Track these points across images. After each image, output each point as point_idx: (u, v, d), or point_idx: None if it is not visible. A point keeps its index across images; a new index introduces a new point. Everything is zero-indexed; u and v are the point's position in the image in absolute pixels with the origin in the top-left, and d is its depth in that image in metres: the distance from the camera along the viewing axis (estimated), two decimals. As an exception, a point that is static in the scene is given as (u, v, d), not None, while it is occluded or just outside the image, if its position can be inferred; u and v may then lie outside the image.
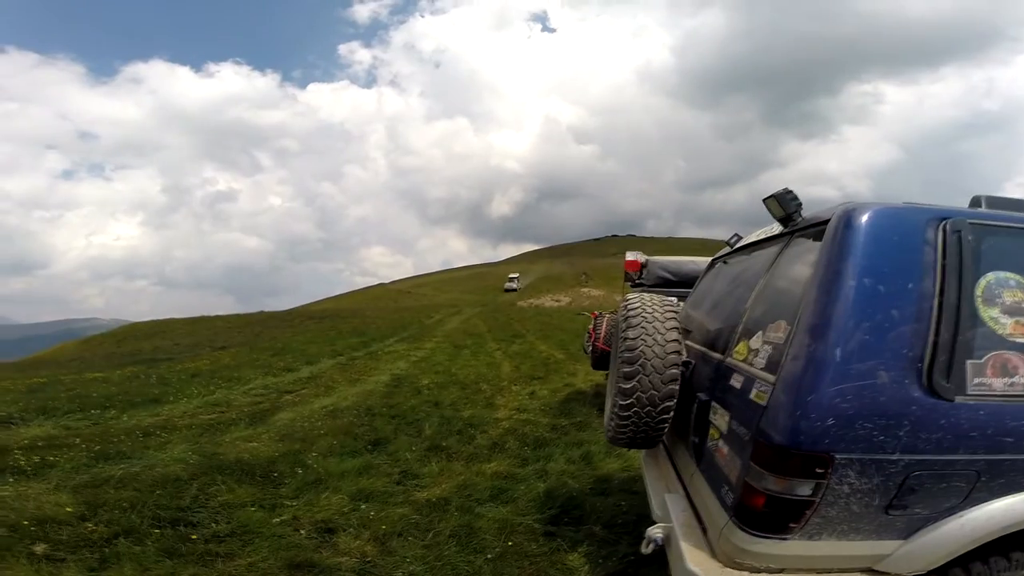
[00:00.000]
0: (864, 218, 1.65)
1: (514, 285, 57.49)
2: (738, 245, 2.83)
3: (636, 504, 3.53)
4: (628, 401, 2.23)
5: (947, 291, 1.58)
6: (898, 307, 1.56)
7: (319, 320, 29.26)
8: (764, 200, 2.23)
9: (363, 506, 3.56)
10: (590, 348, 7.36)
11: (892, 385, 1.51)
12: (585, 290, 42.53)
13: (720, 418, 1.92)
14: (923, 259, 1.62)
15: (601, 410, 6.53)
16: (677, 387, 2.22)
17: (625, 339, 2.30)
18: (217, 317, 36.54)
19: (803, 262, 1.86)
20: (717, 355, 2.18)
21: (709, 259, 3.40)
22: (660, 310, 2.38)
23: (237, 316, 37.67)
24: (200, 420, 6.27)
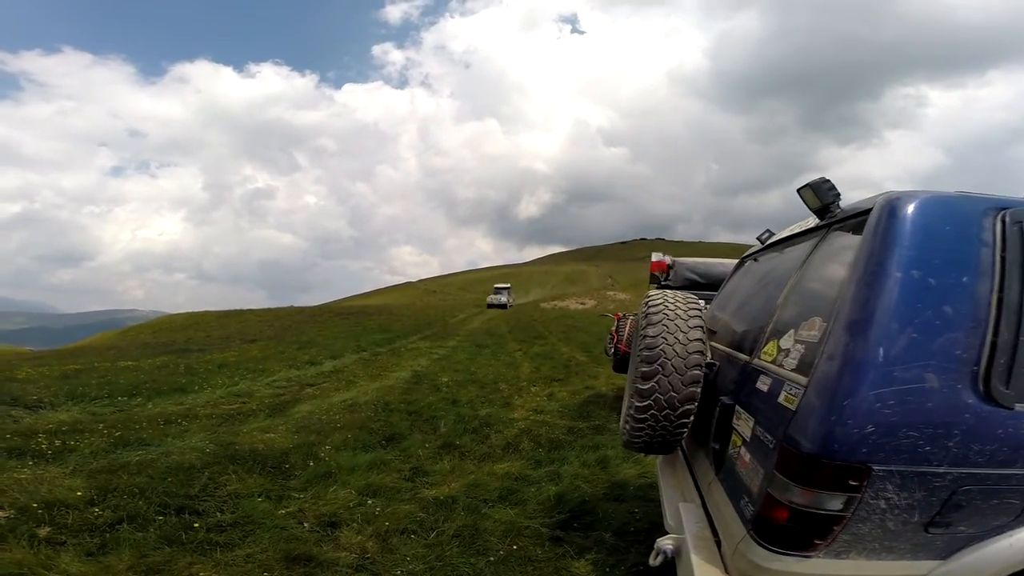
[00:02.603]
0: (911, 207, 1.49)
1: (503, 298, 41.48)
2: (769, 241, 2.65)
3: (650, 512, 3.36)
4: (645, 403, 2.09)
5: (1007, 287, 1.40)
6: (951, 303, 1.38)
7: (346, 316, 29.73)
8: (799, 190, 2.07)
9: (370, 501, 3.49)
10: (612, 350, 7.19)
11: (942, 390, 1.33)
12: (611, 293, 41.94)
13: (744, 424, 1.75)
14: (979, 252, 1.44)
15: (620, 413, 6.31)
16: (698, 389, 2.07)
17: (645, 337, 2.16)
18: (248, 311, 37.53)
19: (841, 256, 1.72)
20: (744, 356, 2.02)
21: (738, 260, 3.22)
22: (683, 308, 2.24)
23: (267, 311, 38.59)
24: (221, 410, 6.35)
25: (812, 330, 1.59)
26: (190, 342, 20.37)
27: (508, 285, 46.98)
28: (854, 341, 1.37)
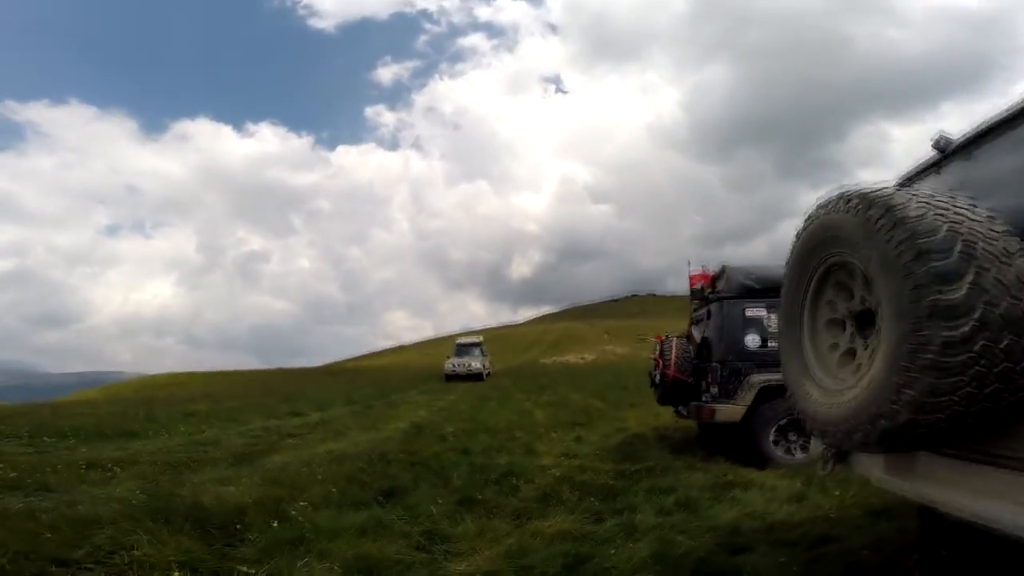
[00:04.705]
0: None
1: (473, 363, 24.15)
2: (968, 137, 1.80)
3: (802, 558, 2.23)
4: (961, 328, 1.08)
5: None
6: None
7: (337, 375, 28.13)
8: None
9: (364, 580, 2.20)
10: (658, 378, 5.97)
11: None
12: (610, 348, 40.44)
13: None
14: None
15: (675, 451, 5.16)
16: None
17: (905, 221, 1.21)
18: (236, 372, 35.76)
19: None
20: None
21: None
22: (939, 193, 1.34)
23: (257, 371, 36.73)
24: (173, 458, 5.14)
25: None
26: (171, 398, 18.79)
27: (479, 339, 27.40)
28: None
